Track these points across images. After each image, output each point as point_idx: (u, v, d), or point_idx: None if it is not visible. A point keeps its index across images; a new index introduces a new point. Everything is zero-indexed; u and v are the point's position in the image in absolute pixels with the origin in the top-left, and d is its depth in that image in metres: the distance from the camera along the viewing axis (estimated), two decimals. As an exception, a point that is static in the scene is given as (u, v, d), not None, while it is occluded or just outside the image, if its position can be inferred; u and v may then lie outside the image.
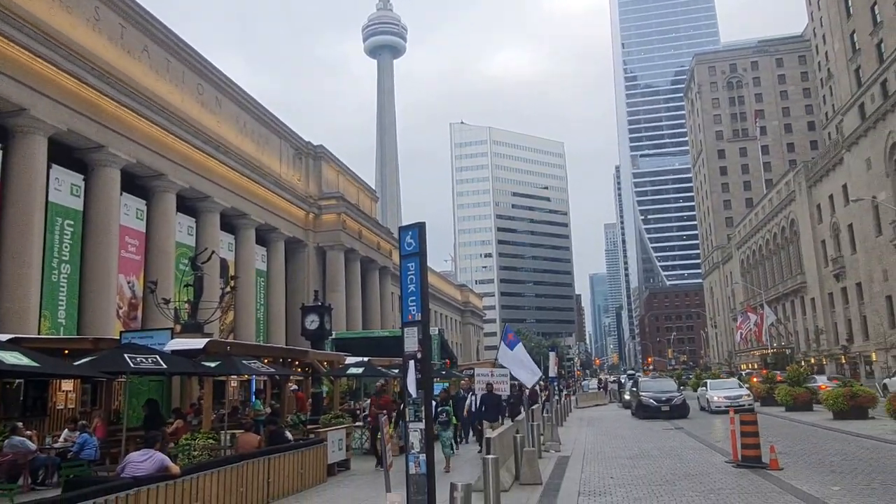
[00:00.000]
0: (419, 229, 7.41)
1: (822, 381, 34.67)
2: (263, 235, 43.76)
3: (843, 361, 63.48)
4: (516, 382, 29.48)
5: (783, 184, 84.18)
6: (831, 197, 68.70)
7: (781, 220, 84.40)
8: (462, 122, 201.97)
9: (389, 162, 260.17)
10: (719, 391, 31.27)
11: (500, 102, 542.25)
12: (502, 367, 17.97)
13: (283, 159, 46.84)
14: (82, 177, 28.64)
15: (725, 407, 27.15)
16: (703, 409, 32.26)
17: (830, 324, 71.75)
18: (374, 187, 70.59)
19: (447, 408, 15.82)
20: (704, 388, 34.30)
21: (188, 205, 35.94)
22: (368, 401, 20.17)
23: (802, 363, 61.16)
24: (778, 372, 43.52)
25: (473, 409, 18.90)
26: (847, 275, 66.01)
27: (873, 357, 58.83)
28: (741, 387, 32.88)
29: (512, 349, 17.01)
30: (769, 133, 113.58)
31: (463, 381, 24.95)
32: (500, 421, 17.58)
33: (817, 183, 72.37)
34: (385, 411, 14.89)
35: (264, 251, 44.16)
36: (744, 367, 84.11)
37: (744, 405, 27.96)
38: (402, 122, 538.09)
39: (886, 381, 36.41)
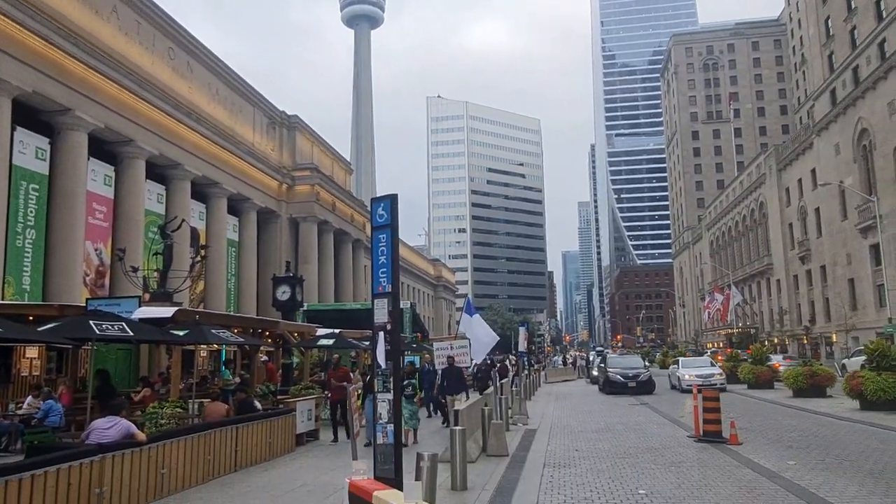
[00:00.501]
0: (391, 201, 7.38)
1: (776, 360, 35.64)
2: (235, 205, 43.23)
3: (805, 342, 65.11)
4: (489, 358, 29.76)
5: (754, 167, 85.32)
6: (800, 181, 69.86)
7: (751, 203, 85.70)
8: (439, 97, 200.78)
9: (365, 135, 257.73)
10: (691, 369, 30.06)
11: (478, 77, 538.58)
12: (464, 337, 18.02)
13: (256, 128, 46.16)
14: (48, 140, 27.94)
15: (697, 386, 27.29)
16: (673, 387, 31.43)
17: (794, 305, 73.43)
18: (349, 160, 69.96)
19: (413, 381, 15.68)
20: (676, 365, 33.18)
21: (158, 172, 35.32)
22: (325, 374, 19.74)
23: (766, 343, 62.62)
24: (740, 351, 44.55)
25: (437, 381, 18.89)
26: (812, 258, 67.43)
27: (834, 338, 60.44)
28: (713, 365, 32.00)
29: (472, 316, 17.24)
30: (742, 116, 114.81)
31: (426, 356, 24.38)
32: (465, 394, 17.45)
33: (787, 167, 73.48)
34: (344, 383, 14.72)
35: (236, 221, 43.68)
36: (709, 345, 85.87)
37: (715, 384, 26.96)
38: (379, 96, 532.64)
39: (845, 361, 37.42)
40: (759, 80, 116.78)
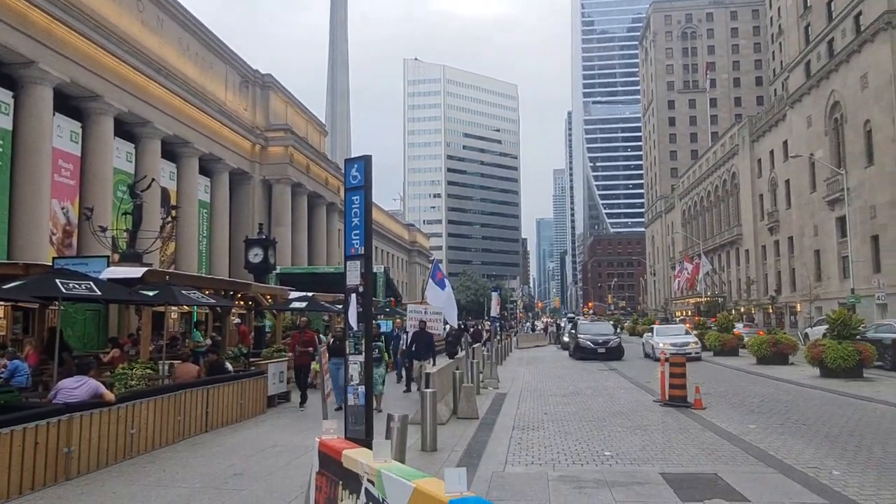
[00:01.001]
0: (365, 162, 7.32)
1: (737, 328, 36.37)
2: (207, 165, 42.50)
3: (771, 311, 66.63)
4: (461, 323, 29.95)
5: (728, 137, 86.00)
6: (772, 152, 70.67)
7: (724, 173, 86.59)
8: (416, 59, 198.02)
9: (341, 97, 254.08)
10: (665, 338, 28.97)
11: (456, 44, 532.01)
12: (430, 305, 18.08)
13: (228, 87, 45.19)
14: (11, 94, 27.05)
15: (671, 355, 26.33)
16: (647, 355, 30.43)
17: (762, 275, 74.87)
18: (324, 123, 68.98)
19: (379, 343, 15.58)
20: (650, 334, 32.46)
21: (127, 130, 34.48)
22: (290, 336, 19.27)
23: (733, 312, 63.96)
24: (706, 319, 45.51)
25: (406, 345, 18.62)
26: (780, 228, 68.62)
27: (798, 308, 61.90)
28: (688, 334, 31.15)
29: (443, 289, 17.15)
30: (718, 86, 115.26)
31: (396, 321, 24.03)
32: (432, 360, 17.13)
33: (760, 138, 74.19)
34: (310, 348, 14.66)
35: (208, 182, 42.99)
36: (679, 314, 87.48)
37: (690, 353, 26.53)
38: (356, 60, 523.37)
39: (808, 330, 38.41)
40: (736, 50, 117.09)
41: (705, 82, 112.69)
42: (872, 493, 7.12)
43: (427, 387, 10.61)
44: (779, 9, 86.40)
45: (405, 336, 18.94)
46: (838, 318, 20.14)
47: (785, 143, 65.92)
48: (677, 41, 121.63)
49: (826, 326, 21.77)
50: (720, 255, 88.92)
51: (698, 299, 74.00)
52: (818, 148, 57.32)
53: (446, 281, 17.30)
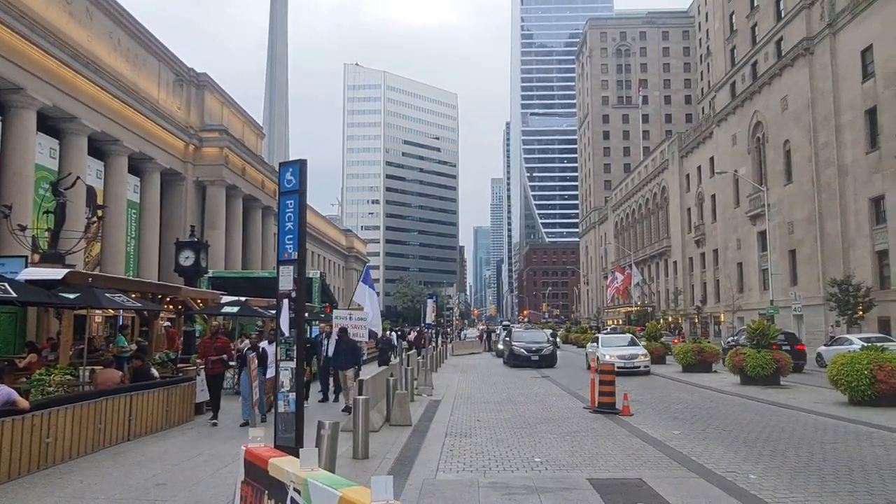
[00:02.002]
0: (300, 166, 7.25)
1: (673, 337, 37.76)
2: (137, 165, 41.08)
3: (697, 321, 69.10)
4: (398, 330, 29.73)
5: (658, 152, 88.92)
6: (699, 168, 73.46)
7: (654, 187, 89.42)
8: (357, 64, 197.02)
9: (279, 100, 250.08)
10: (612, 349, 26.10)
11: (398, 48, 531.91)
12: (361, 309, 17.49)
13: (161, 85, 43.86)
14: (-77, 83, 25.53)
15: (618, 368, 21.45)
16: (589, 367, 24.90)
17: (688, 286, 77.58)
18: (261, 125, 67.72)
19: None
20: (595, 344, 28.85)
21: (51, 125, 32.99)
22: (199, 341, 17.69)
23: (661, 321, 66.00)
24: (637, 327, 46.87)
25: (327, 353, 17.21)
26: (706, 241, 71.31)
27: (722, 318, 64.40)
28: (636, 344, 28.05)
29: (372, 287, 16.81)
30: (651, 103, 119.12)
31: (322, 325, 22.13)
32: (357, 369, 15.62)
33: (688, 154, 77.01)
34: (223, 356, 13.66)
35: (138, 181, 41.55)
36: (610, 322, 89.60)
37: (639, 367, 24.79)
38: (296, 64, 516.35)
39: (731, 339, 39.97)
40: (667, 69, 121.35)
41: (638, 98, 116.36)
42: (785, 495, 7.47)
43: (360, 394, 10.53)
44: (707, 31, 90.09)
45: (325, 342, 17.71)
46: (757, 329, 21.06)
47: (711, 159, 68.62)
48: (612, 58, 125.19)
49: (746, 336, 22.68)
50: (650, 265, 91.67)
51: (629, 309, 76.05)
52: (742, 165, 59.92)
53: (373, 287, 16.99)
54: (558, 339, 46.05)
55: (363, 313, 16.01)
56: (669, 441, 11.06)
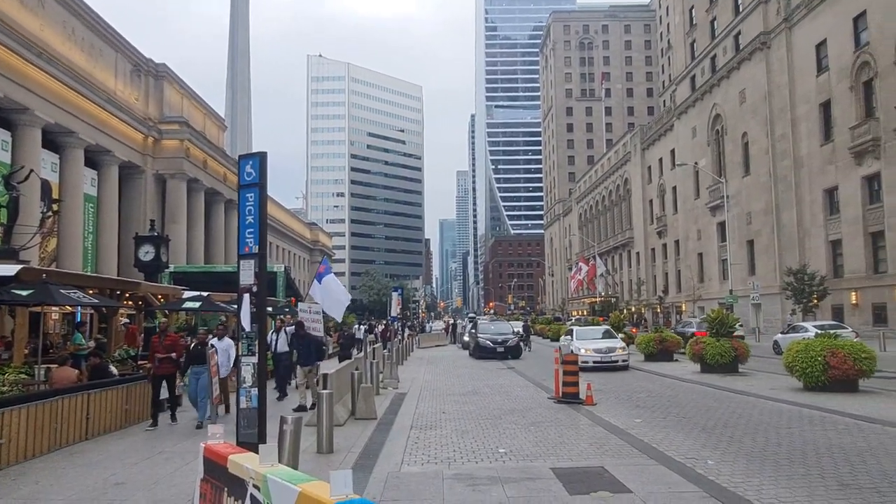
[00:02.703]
0: (260, 159, 7.16)
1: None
2: (94, 157, 40.08)
3: (659, 310, 70.30)
4: (365, 324, 29.43)
5: (621, 144, 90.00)
6: (661, 160, 74.60)
7: (617, 179, 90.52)
8: (320, 56, 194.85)
9: (241, 91, 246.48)
10: (587, 342, 24.52)
11: (362, 40, 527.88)
12: (315, 303, 17.06)
13: (118, 76, 42.81)
14: None
15: (594, 363, 22.64)
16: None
17: (651, 276, 78.84)
18: (223, 117, 66.58)
19: None
20: (569, 337, 27.24)
21: (3, 117, 32.00)
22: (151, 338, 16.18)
23: (624, 311, 66.95)
24: (602, 317, 47.49)
25: (275, 348, 16.90)
26: (668, 232, 72.50)
27: (683, 307, 65.61)
28: (613, 337, 26.20)
29: (320, 282, 16.33)
30: (613, 96, 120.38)
31: (279, 320, 21.15)
32: (315, 365, 15.09)
33: (650, 146, 78.12)
34: (173, 354, 12.68)
35: (95, 175, 40.55)
36: (575, 313, 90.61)
37: (617, 361, 23.04)
38: (258, 55, 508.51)
39: (679, 328, 40.77)
40: (629, 62, 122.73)
41: (601, 91, 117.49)
42: (742, 480, 7.66)
43: (324, 388, 10.48)
44: (668, 25, 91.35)
45: (275, 337, 17.14)
46: (717, 318, 21.51)
47: (672, 151, 69.73)
48: (575, 51, 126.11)
49: (707, 325, 23.12)
50: (613, 256, 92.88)
51: (593, 299, 76.97)
52: (702, 157, 61.00)
53: (331, 274, 16.38)
54: (531, 332, 45.16)
55: (319, 307, 15.63)
56: (631, 429, 11.25)
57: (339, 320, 16.44)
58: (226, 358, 13.36)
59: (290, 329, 16.94)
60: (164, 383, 12.74)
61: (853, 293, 40.99)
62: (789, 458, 8.78)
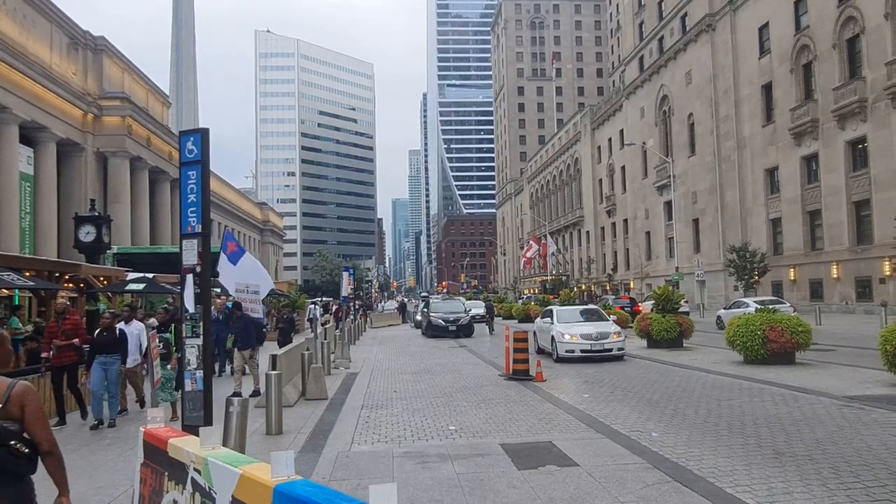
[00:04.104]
0: (202, 135, 6.93)
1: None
2: (30, 134, 38.39)
3: (608, 288, 71.68)
4: (314, 304, 28.81)
5: (571, 124, 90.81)
6: (610, 140, 75.61)
7: (568, 158, 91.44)
8: (268, 31, 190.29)
9: (186, 67, 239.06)
10: (573, 326, 19.15)
11: (309, 16, 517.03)
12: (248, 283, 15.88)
13: (54, 48, 40.97)
14: None
15: (582, 353, 18.06)
16: (541, 350, 20.55)
17: (600, 254, 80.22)
18: (167, 93, 64.54)
19: (166, 335, 11.20)
20: (548, 319, 20.64)
21: (-73, 91, 30.37)
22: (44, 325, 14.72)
23: (575, 289, 68.03)
24: (545, 296, 48.17)
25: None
26: (617, 211, 73.74)
27: (631, 284, 67.04)
28: (606, 319, 20.58)
29: (235, 263, 14.31)
30: (564, 76, 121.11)
31: (218, 301, 19.06)
32: (255, 348, 14.35)
33: (600, 126, 79.04)
34: (77, 340, 11.19)
35: (31, 152, 38.88)
36: (526, 291, 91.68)
37: (612, 349, 18.22)
38: (204, 29, 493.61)
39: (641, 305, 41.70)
40: (579, 42, 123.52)
41: (552, 71, 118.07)
42: (684, 451, 7.90)
43: (273, 369, 10.36)
44: (617, 5, 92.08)
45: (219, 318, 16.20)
46: (663, 294, 22.04)
47: (621, 131, 70.74)
48: (527, 30, 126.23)
49: (653, 301, 23.68)
50: (564, 235, 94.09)
51: (545, 278, 77.99)
52: (650, 137, 62.05)
53: (245, 252, 14.53)
54: (495, 312, 40.83)
55: (257, 287, 14.39)
56: (579, 405, 11.47)
57: (263, 293, 14.43)
58: (135, 345, 11.35)
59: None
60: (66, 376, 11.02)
61: (792, 270, 42.53)
62: (729, 428, 9.09)
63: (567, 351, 18.20)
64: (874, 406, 10.27)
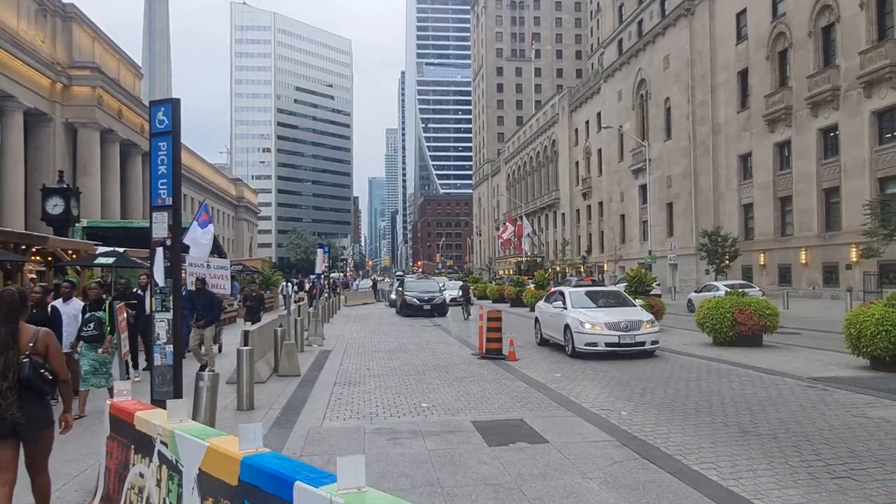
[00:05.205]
0: (173, 105, 6.79)
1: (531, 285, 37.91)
2: (-6, 103, 37.40)
3: (582, 270, 72.26)
4: (288, 282, 28.45)
5: (549, 106, 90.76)
6: (587, 123, 75.77)
7: (545, 140, 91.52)
8: (244, 3, 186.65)
9: (159, 36, 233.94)
10: (594, 312, 15.50)
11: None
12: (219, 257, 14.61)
13: (21, 14, 39.76)
14: None
15: (608, 347, 14.43)
16: (545, 341, 17.53)
17: (575, 236, 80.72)
18: (139, 64, 63.07)
19: (99, 314, 9.64)
20: (559, 304, 16.46)
21: None
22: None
23: (549, 270, 68.48)
24: (519, 277, 48.45)
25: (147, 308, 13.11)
26: (593, 194, 74.13)
27: (605, 267, 67.62)
28: (634, 305, 16.79)
29: (203, 228, 12.99)
30: (543, 57, 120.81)
31: (142, 277, 15.79)
32: (214, 327, 13.70)
33: (577, 108, 79.12)
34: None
35: (-4, 122, 37.89)
36: (501, 272, 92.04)
37: (644, 343, 14.55)
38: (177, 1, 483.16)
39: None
40: (559, 23, 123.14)
41: (531, 52, 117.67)
42: (652, 429, 8.03)
43: (245, 345, 10.29)
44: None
45: (145, 295, 13.85)
46: (635, 276, 22.28)
47: (599, 114, 70.90)
48: (507, 10, 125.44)
49: (626, 284, 23.93)
50: (540, 217, 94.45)
51: (520, 259, 78.34)
52: (627, 121, 62.29)
53: (210, 225, 13.13)
54: (471, 295, 37.65)
55: (224, 262, 13.33)
56: (551, 384, 11.58)
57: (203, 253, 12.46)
58: (72, 325, 9.87)
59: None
60: None
61: (762, 254, 43.23)
62: (696, 408, 9.26)
63: (588, 344, 14.55)
64: (837, 387, 10.52)
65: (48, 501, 4.83)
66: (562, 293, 17.10)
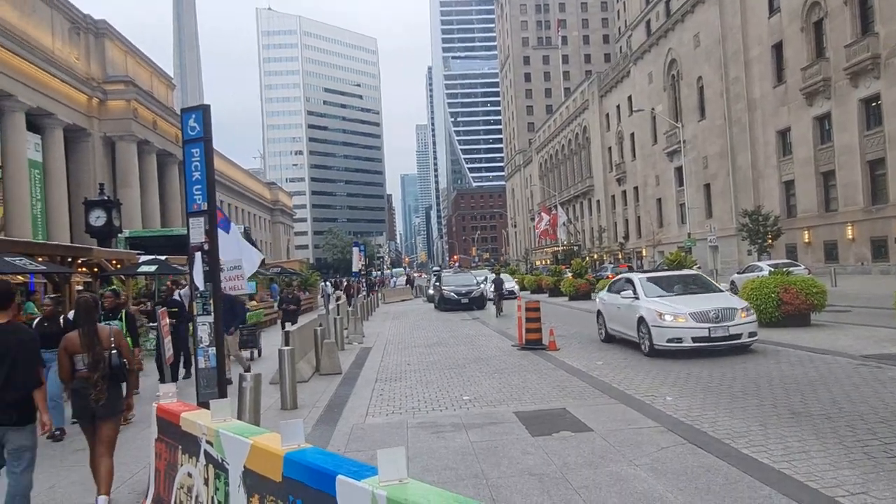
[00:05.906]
0: (203, 111, 6.89)
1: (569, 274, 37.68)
2: (36, 121, 38.46)
3: (620, 257, 71.44)
4: (326, 282, 28.88)
5: (578, 92, 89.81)
6: (618, 107, 74.75)
7: (576, 127, 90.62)
8: (269, 9, 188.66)
9: (189, 47, 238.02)
10: (675, 303, 12.99)
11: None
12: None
13: (56, 34, 40.82)
14: None
15: (695, 342, 12.06)
16: (611, 337, 15.41)
17: (612, 223, 79.83)
18: (171, 75, 64.26)
19: (115, 323, 9.19)
20: (628, 292, 14.11)
21: (-67, 81, 30.39)
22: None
23: (587, 258, 67.91)
24: (557, 266, 48.09)
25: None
26: (627, 179, 73.19)
27: (644, 252, 66.76)
28: (723, 290, 14.42)
29: (228, 231, 13.16)
30: (570, 43, 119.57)
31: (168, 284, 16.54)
32: (235, 329, 13.48)
33: (607, 93, 78.12)
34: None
35: (39, 139, 38.97)
36: (538, 262, 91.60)
37: (740, 335, 12.09)
38: (205, 9, 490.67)
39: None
40: (585, 8, 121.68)
41: (557, 39, 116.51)
42: (699, 414, 7.88)
43: (286, 345, 10.41)
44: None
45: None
46: (675, 260, 21.92)
47: (630, 98, 69.88)
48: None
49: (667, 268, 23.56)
50: (575, 205, 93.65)
51: (556, 249, 77.81)
52: (658, 103, 61.28)
53: (231, 224, 13.36)
54: (515, 287, 39.37)
55: (238, 262, 13.32)
56: (593, 371, 11.47)
57: (250, 270, 12.29)
58: None
59: (183, 291, 14.21)
60: None
61: (806, 232, 42.13)
62: (744, 390, 9.06)
63: (670, 340, 12.23)
64: (891, 364, 10.19)
65: (111, 484, 5.36)
66: (630, 280, 14.81)
